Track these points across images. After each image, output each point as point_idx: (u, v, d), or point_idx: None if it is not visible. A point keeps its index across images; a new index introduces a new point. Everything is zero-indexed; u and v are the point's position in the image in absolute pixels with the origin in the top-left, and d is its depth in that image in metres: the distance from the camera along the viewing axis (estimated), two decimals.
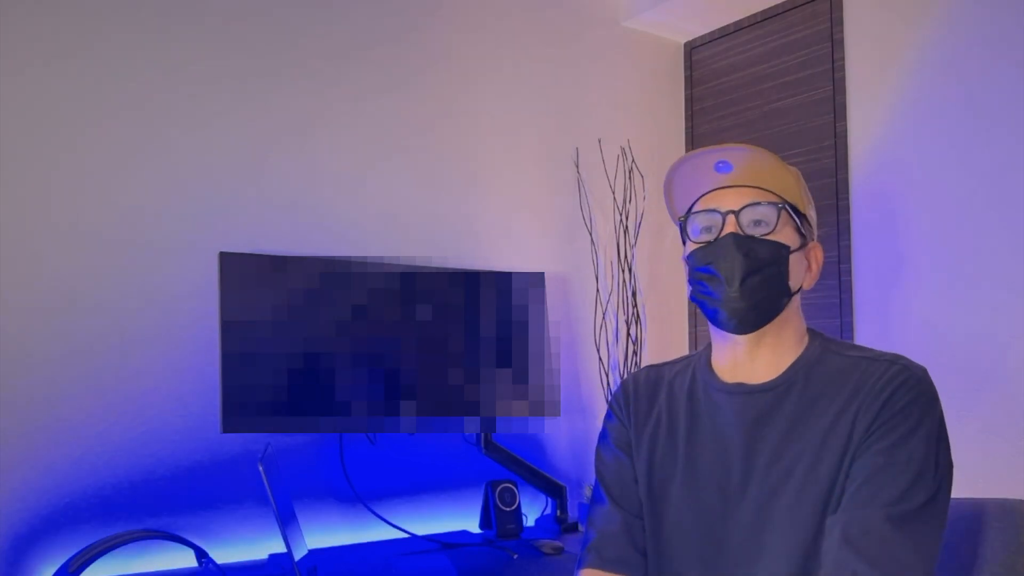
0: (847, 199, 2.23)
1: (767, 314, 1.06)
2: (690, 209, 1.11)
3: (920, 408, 0.98)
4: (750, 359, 1.09)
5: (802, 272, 1.09)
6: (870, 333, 2.17)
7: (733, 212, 1.05)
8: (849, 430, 1.00)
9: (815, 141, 2.32)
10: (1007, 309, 1.91)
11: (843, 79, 2.26)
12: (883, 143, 2.17)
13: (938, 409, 1.00)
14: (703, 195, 1.09)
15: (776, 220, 1.05)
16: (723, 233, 1.05)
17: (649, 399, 1.18)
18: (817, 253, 1.12)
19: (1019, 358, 1.89)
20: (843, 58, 2.26)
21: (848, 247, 2.22)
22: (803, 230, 1.09)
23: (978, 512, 1.15)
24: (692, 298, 1.11)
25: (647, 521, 1.13)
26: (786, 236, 1.06)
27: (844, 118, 2.25)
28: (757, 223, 1.05)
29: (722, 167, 1.06)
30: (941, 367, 2.01)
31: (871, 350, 1.07)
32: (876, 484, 0.95)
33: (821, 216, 2.29)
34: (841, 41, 2.27)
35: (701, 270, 1.07)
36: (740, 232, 1.05)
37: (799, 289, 1.09)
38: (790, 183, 1.07)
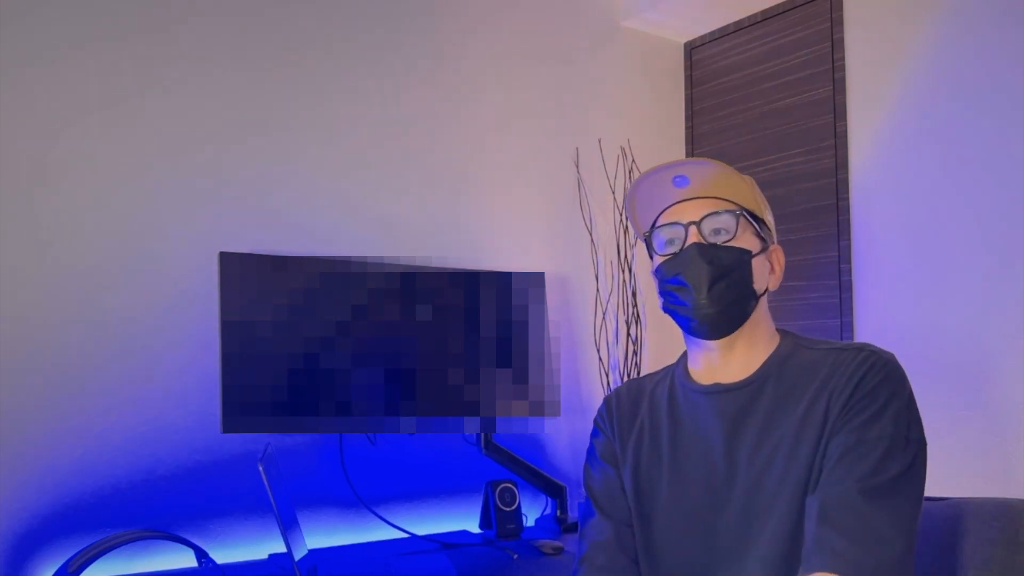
0: (847, 199, 2.23)
1: (737, 318, 1.10)
2: (653, 224, 1.15)
3: (889, 388, 1.01)
4: (724, 362, 1.13)
5: (766, 275, 1.13)
6: (870, 333, 2.17)
7: (694, 223, 1.09)
8: (824, 413, 1.03)
9: (815, 141, 2.32)
10: (1007, 308, 1.91)
11: (843, 79, 2.26)
12: (883, 143, 2.17)
13: (907, 389, 1.03)
14: (664, 209, 1.14)
15: (736, 227, 1.09)
16: (687, 244, 1.09)
17: (631, 410, 1.22)
18: (778, 255, 1.16)
19: (1019, 357, 1.89)
20: (843, 58, 2.26)
21: (848, 247, 2.22)
22: (762, 234, 1.13)
23: (979, 511, 1.15)
24: (664, 309, 1.15)
25: (636, 527, 1.15)
26: (746, 241, 1.10)
27: (844, 118, 2.25)
28: (718, 231, 1.09)
29: (679, 181, 1.10)
30: (941, 366, 2.03)
31: (840, 342, 1.11)
32: (849, 461, 0.98)
33: (821, 216, 2.29)
34: (841, 41, 2.27)
35: (670, 281, 1.11)
36: (703, 241, 1.09)
37: (765, 291, 1.13)
38: (744, 191, 1.11)
